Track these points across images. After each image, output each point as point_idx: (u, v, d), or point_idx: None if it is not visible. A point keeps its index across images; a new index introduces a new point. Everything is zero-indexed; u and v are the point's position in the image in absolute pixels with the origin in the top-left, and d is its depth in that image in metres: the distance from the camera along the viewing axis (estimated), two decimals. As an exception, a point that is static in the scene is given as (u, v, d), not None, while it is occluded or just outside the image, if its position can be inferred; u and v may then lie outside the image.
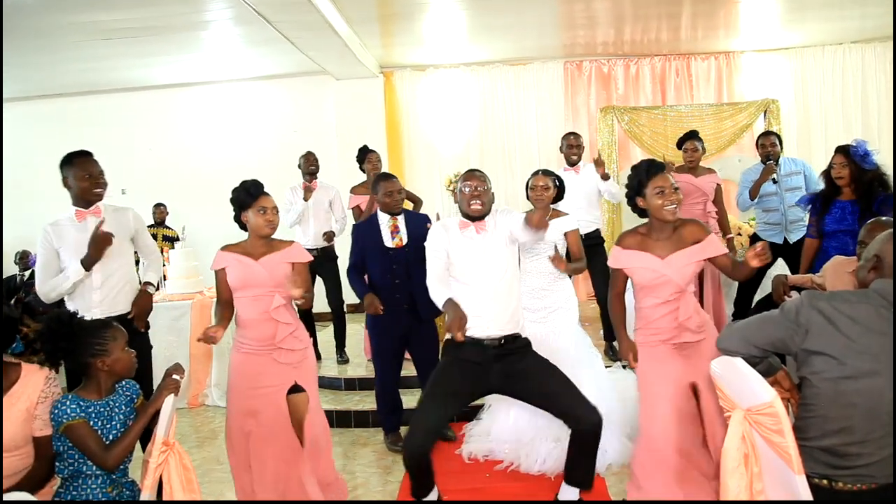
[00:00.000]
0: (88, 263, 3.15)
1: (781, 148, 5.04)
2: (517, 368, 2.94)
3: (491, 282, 2.96)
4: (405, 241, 3.90)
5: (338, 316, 5.50)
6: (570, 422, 2.90)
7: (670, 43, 7.42)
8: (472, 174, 3.08)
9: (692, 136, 5.01)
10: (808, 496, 1.81)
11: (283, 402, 3.02)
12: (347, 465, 3.95)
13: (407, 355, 4.13)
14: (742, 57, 7.74)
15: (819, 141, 7.49)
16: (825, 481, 1.90)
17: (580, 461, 2.94)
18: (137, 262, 3.88)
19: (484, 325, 2.92)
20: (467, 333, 2.76)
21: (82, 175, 3.23)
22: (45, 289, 3.21)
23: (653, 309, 2.82)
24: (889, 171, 3.91)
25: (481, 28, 6.61)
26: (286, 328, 3.00)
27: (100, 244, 3.15)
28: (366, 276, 4.01)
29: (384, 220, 3.96)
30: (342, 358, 5.45)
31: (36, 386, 2.27)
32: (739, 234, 5.55)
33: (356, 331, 6.48)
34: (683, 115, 7.01)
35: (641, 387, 2.88)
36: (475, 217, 3.01)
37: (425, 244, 3.12)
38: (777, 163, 4.87)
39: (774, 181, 4.83)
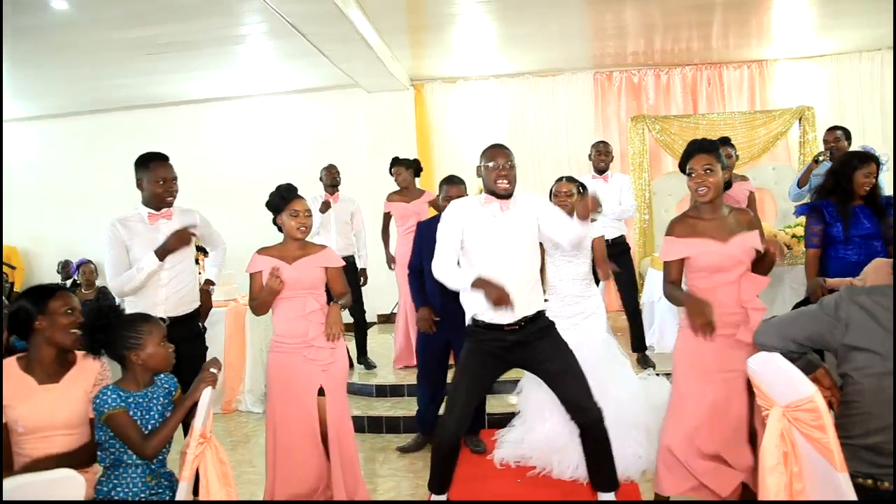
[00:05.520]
0: (163, 254, 3.18)
1: (849, 143, 4.91)
2: (536, 348, 2.93)
3: (510, 263, 2.87)
4: None
5: (359, 326, 5.51)
6: (572, 411, 2.90)
7: (701, 52, 7.37)
8: (498, 150, 2.94)
9: (724, 142, 4.96)
10: (852, 494, 1.76)
11: (312, 405, 3.06)
12: (379, 470, 3.96)
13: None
14: (775, 65, 7.64)
15: (856, 148, 7.34)
16: (870, 480, 1.86)
17: (597, 462, 2.93)
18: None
19: (503, 311, 2.87)
20: (486, 319, 2.86)
21: (156, 180, 3.26)
22: (118, 283, 3.21)
23: (715, 294, 2.73)
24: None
25: (510, 39, 6.65)
26: (319, 327, 3.06)
27: (182, 240, 3.23)
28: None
29: None
30: (367, 364, 5.45)
31: (92, 370, 2.40)
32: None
33: (386, 340, 6.53)
34: (715, 122, 6.93)
35: (677, 374, 2.89)
36: (502, 195, 2.92)
37: (439, 225, 3.03)
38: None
39: (816, 160, 4.85)
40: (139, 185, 3.32)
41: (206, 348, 3.49)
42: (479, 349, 2.96)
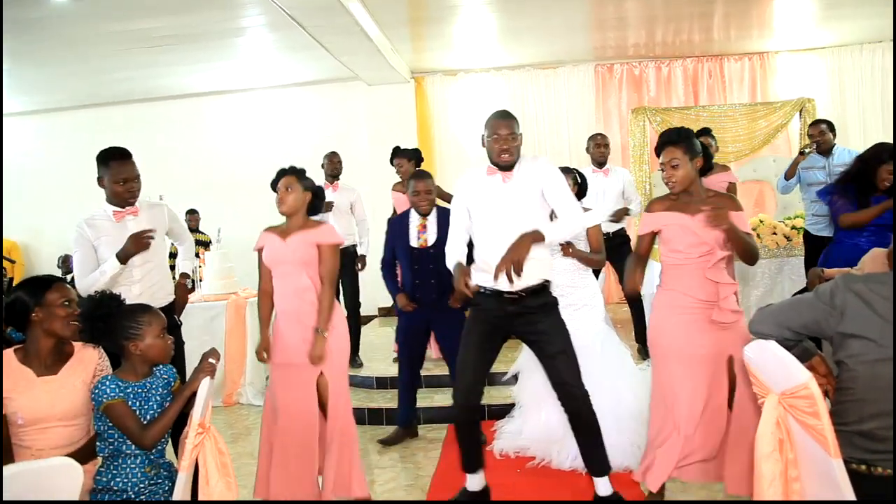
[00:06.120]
0: (124, 258, 3.16)
1: (834, 136, 4.95)
2: (536, 324, 2.94)
3: (510, 232, 2.82)
4: (430, 241, 3.94)
5: (353, 315, 5.37)
6: (559, 392, 2.95)
7: (702, 44, 7.36)
8: (501, 120, 2.88)
9: (704, 132, 4.97)
10: (846, 480, 1.77)
11: (312, 388, 3.08)
12: (379, 461, 3.98)
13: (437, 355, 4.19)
14: (777, 57, 7.63)
15: (857, 140, 7.32)
16: (863, 466, 1.86)
17: (587, 446, 2.99)
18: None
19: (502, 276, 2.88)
20: (487, 285, 2.88)
21: (116, 180, 3.19)
22: (84, 285, 3.19)
23: (680, 268, 2.83)
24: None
25: (511, 32, 6.65)
26: (311, 307, 3.06)
27: (139, 244, 3.17)
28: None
29: (414, 218, 4.01)
30: (355, 362, 5.29)
31: (91, 360, 2.40)
32: (774, 234, 5.44)
33: (387, 332, 6.54)
34: (716, 115, 6.93)
35: (654, 347, 3.00)
36: (503, 167, 2.91)
37: (450, 204, 3.11)
38: (830, 151, 4.84)
39: (802, 152, 4.92)
40: (100, 183, 3.24)
41: (183, 343, 3.47)
42: (480, 318, 3.00)
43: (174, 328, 3.41)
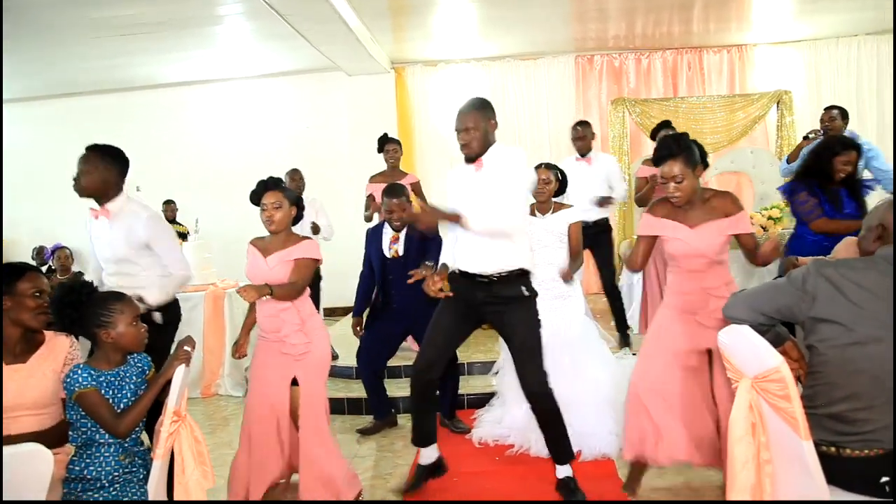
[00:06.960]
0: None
1: (846, 123, 4.91)
2: (505, 317, 2.98)
3: (477, 216, 2.85)
4: (402, 252, 3.95)
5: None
6: (521, 383, 2.99)
7: (682, 36, 7.41)
8: (461, 115, 2.97)
9: (665, 125, 4.96)
10: (816, 462, 1.80)
11: (280, 394, 3.06)
12: (359, 451, 3.98)
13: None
14: (755, 50, 7.71)
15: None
16: (833, 448, 1.89)
17: (549, 437, 3.06)
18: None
19: (475, 260, 2.94)
20: (461, 268, 2.97)
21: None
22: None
23: (682, 276, 2.84)
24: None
25: (492, 22, 6.63)
26: (291, 325, 3.02)
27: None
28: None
29: (388, 230, 4.02)
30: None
31: (62, 348, 2.38)
32: (751, 224, 5.51)
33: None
34: (695, 106, 6.99)
35: (648, 338, 2.99)
36: (469, 159, 2.99)
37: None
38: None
39: (806, 137, 4.87)
40: None
41: (172, 341, 3.38)
42: (453, 300, 3.00)
43: (170, 325, 3.26)
